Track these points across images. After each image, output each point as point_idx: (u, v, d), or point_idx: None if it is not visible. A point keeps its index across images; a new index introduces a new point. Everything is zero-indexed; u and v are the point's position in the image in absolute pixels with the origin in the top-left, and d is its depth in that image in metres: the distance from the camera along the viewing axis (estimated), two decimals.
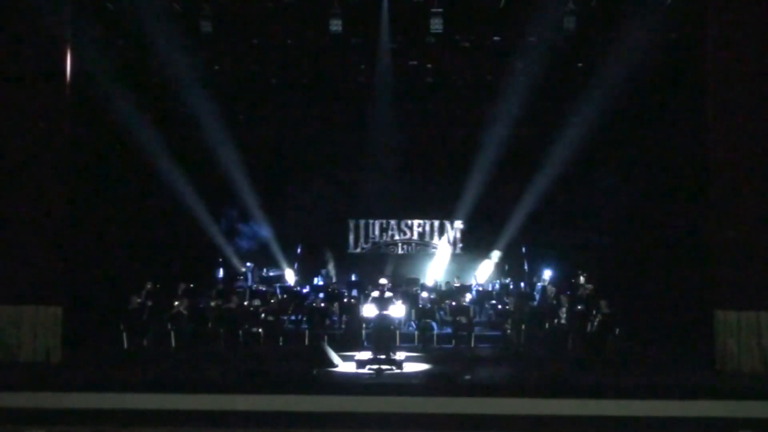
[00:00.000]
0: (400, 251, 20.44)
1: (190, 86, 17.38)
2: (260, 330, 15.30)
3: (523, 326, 15.09)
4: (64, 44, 13.19)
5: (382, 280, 16.88)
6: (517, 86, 17.21)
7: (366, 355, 13.01)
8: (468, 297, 16.82)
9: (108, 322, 14.97)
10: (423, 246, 20.46)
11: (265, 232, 19.72)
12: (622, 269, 17.39)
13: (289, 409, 10.65)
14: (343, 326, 15.79)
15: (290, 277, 18.76)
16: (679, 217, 15.87)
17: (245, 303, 16.11)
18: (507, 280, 18.14)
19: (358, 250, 20.26)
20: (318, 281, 18.25)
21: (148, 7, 14.43)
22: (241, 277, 18.47)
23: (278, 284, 18.17)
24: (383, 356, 12.74)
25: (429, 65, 17.03)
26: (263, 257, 19.32)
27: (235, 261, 19.26)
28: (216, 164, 19.12)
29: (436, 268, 19.89)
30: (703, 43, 13.08)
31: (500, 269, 19.05)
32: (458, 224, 20.47)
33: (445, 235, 20.56)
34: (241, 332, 15.14)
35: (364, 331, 14.98)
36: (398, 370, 12.55)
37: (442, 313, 16.17)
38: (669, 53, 15.28)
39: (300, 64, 16.97)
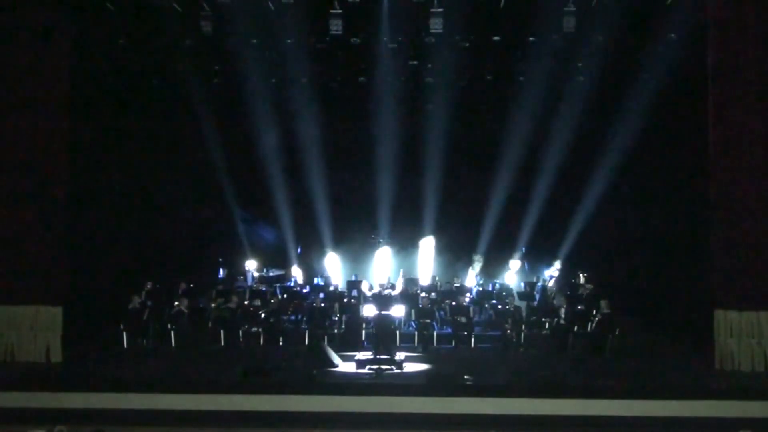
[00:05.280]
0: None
1: (190, 85, 17.40)
2: (260, 330, 15.29)
3: (523, 326, 15.11)
4: (64, 42, 13.22)
5: (382, 280, 16.92)
6: (516, 86, 17.24)
7: (366, 355, 13.02)
8: (468, 297, 16.81)
9: (108, 322, 14.96)
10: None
11: (265, 231, 19.68)
12: (623, 269, 17.36)
13: (289, 409, 10.67)
14: (343, 326, 15.78)
15: (297, 274, 18.66)
16: (679, 217, 15.86)
17: (245, 303, 16.10)
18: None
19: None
20: (318, 281, 18.22)
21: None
22: (241, 277, 18.44)
23: (278, 284, 18.14)
24: (383, 356, 12.75)
25: (429, 65, 17.02)
26: (264, 257, 19.27)
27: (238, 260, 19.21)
28: (216, 164, 19.12)
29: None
30: (703, 45, 13.08)
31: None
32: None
33: None
34: (241, 332, 15.15)
35: (364, 331, 14.98)
36: (398, 370, 12.55)
37: (442, 313, 16.16)
38: (669, 55, 15.28)
39: (300, 64, 16.93)
